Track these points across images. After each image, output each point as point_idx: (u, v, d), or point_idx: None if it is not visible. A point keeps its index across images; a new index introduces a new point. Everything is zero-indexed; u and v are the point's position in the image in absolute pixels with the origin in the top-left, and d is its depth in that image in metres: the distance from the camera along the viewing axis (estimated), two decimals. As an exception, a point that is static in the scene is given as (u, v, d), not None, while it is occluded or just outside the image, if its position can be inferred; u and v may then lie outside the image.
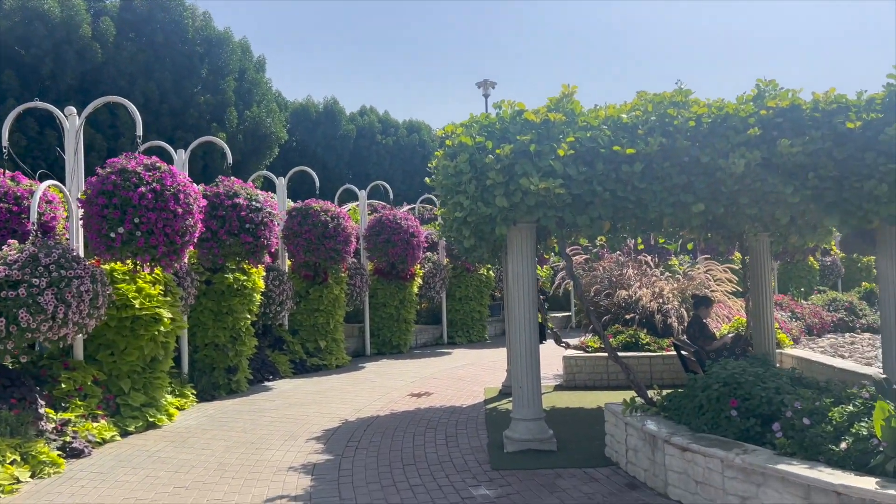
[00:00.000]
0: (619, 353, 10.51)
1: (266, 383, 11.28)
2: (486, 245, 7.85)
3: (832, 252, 23.04)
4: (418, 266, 15.79)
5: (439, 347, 16.53)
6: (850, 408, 4.56)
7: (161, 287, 8.74)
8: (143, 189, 7.47)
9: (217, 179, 10.31)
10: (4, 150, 8.19)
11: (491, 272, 17.62)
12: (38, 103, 8.59)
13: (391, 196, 17.08)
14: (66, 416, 7.26)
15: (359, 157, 42.35)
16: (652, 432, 5.53)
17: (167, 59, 27.29)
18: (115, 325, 8.16)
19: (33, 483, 6.07)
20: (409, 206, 18.18)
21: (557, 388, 10.52)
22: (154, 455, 6.99)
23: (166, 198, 7.64)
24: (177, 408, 8.94)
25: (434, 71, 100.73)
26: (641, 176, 6.43)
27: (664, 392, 6.21)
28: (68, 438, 6.90)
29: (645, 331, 11.26)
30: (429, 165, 7.42)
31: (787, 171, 6.32)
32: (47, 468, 6.31)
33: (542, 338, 14.24)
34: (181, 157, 10.14)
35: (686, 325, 9.73)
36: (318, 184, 14.44)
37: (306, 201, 12.93)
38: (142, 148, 9.96)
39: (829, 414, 4.59)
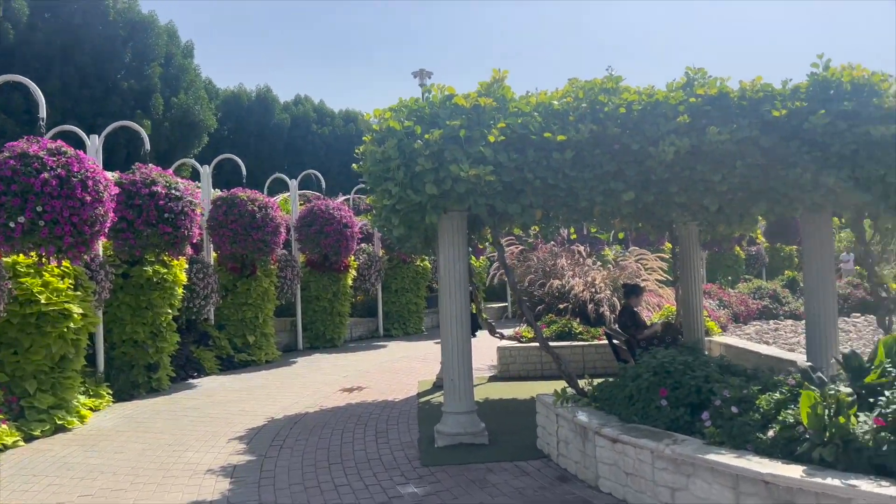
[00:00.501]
0: (553, 343, 10.48)
1: (190, 381, 10.77)
2: (417, 234, 7.63)
3: (758, 241, 23.78)
4: (352, 258, 15.44)
5: (375, 340, 16.24)
6: (777, 395, 4.54)
7: (71, 281, 8.17)
8: (46, 175, 6.93)
9: (133, 167, 9.73)
10: None
11: (427, 263, 17.42)
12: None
13: (324, 186, 16.65)
14: (-39, 421, 6.68)
15: (294, 148, 41.37)
16: (583, 423, 5.44)
17: (87, 42, 25.88)
18: (17, 322, 7.57)
19: (-82, 497, 5.54)
20: (344, 197, 17.79)
21: (492, 378, 10.42)
22: (60, 461, 6.50)
23: (73, 185, 7.11)
24: (90, 409, 8.41)
25: (371, 60, 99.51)
26: (572, 163, 6.32)
27: (596, 382, 6.13)
28: (-38, 446, 6.34)
29: (578, 320, 11.28)
30: (355, 151, 7.13)
31: (716, 158, 6.30)
32: (-65, 479, 5.78)
33: (477, 329, 14.07)
34: (94, 142, 9.52)
35: (617, 313, 9.77)
36: (244, 172, 13.92)
37: (232, 190, 12.41)
38: (52, 132, 9.33)
39: (757, 402, 4.57)
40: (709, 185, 6.44)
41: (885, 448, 3.74)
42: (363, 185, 6.77)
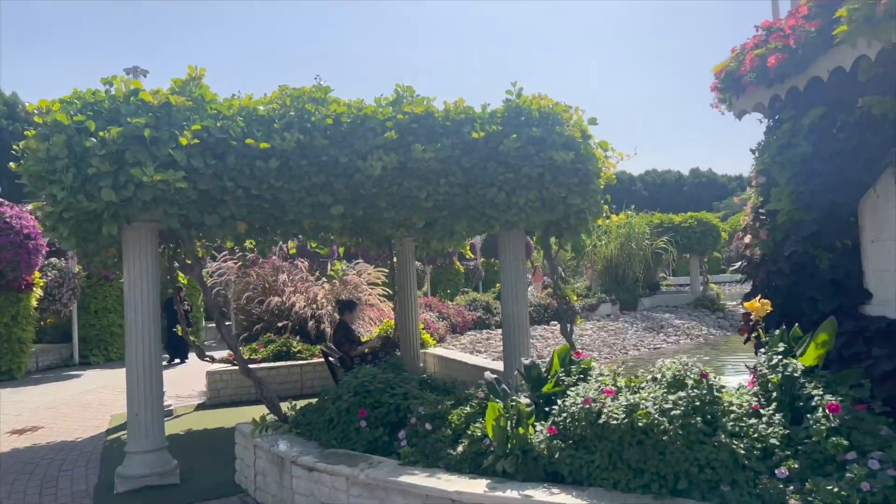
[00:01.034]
0: (270, 364, 9.97)
1: None
2: (101, 246, 6.63)
3: (467, 256, 25.18)
4: (38, 274, 13.26)
5: (68, 369, 14.13)
6: (468, 409, 4.60)
7: None
8: None
9: None
10: None
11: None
12: None
13: None
14: None
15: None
16: (279, 453, 5.04)
17: None
18: None
19: None
20: (31, 205, 15.27)
21: (200, 406, 9.54)
22: None
23: None
24: None
25: (78, 52, 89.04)
26: (278, 173, 5.95)
27: (299, 405, 5.78)
28: None
29: (298, 338, 10.88)
30: (14, 148, 5.96)
31: (422, 176, 6.39)
32: None
33: (185, 353, 12.91)
34: None
35: (332, 330, 9.57)
36: None
37: None
38: None
39: (449, 417, 4.58)
40: (416, 201, 6.50)
41: (557, 455, 3.92)
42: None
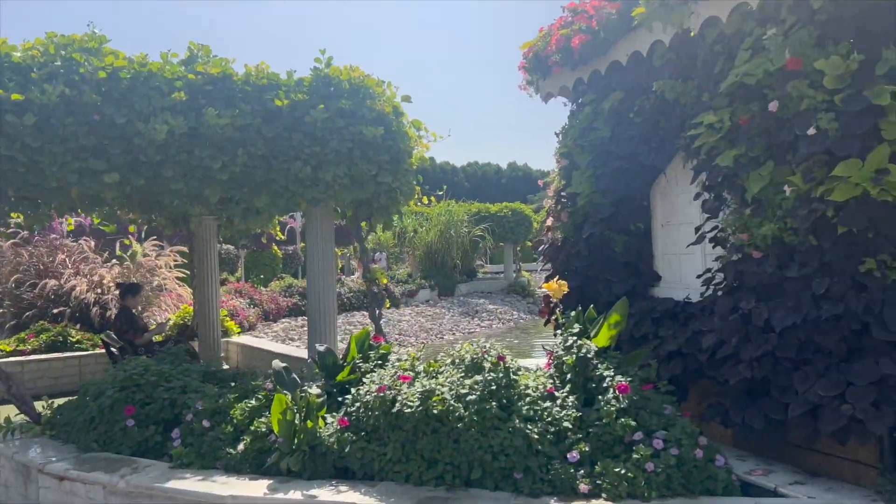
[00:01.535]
0: (43, 356, 8.71)
1: None
2: None
3: (277, 238, 24.20)
4: None
5: None
6: (253, 402, 4.13)
7: None
8: None
9: None
10: None
11: None
12: None
13: None
14: None
15: None
16: (24, 461, 4.24)
17: None
18: None
19: None
20: None
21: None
22: None
23: None
24: None
25: None
26: (35, 131, 5.04)
27: (57, 403, 4.94)
28: None
29: (79, 326, 9.61)
30: None
31: (216, 144, 5.74)
32: None
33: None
34: None
35: (114, 317, 8.53)
36: None
37: None
38: None
39: (231, 412, 4.08)
40: (209, 172, 5.84)
41: (347, 449, 3.59)
42: None
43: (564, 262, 5.07)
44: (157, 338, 8.20)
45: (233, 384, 4.76)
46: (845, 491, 3.24)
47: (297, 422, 3.74)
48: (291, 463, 3.61)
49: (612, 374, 3.68)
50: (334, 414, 3.87)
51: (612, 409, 3.45)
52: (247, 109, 5.78)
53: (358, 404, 3.73)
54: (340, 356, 4.46)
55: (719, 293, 3.92)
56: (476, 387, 3.56)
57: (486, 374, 3.67)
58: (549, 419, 3.55)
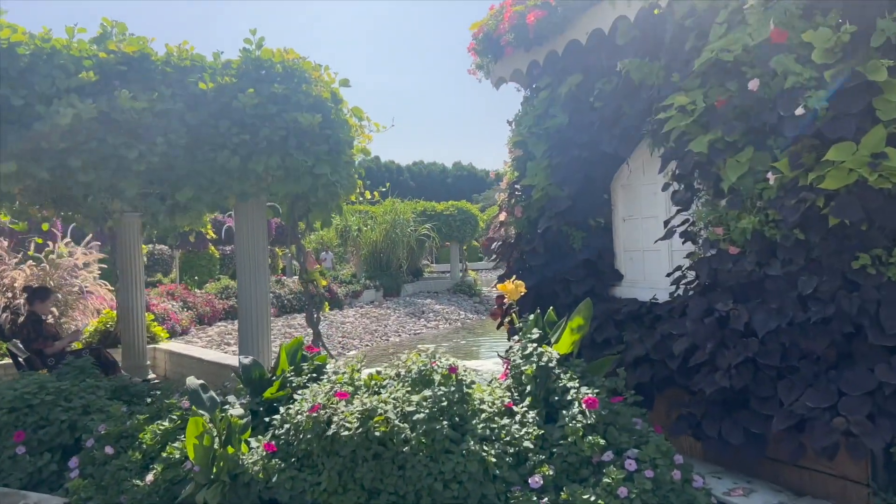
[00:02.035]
0: (-60, 369, 7.83)
1: None
2: None
3: (209, 237, 23.23)
4: None
5: None
6: (166, 424, 3.58)
7: None
8: None
9: None
10: None
11: None
12: None
13: None
14: None
15: None
16: None
17: None
18: None
19: None
20: None
21: None
22: None
23: None
24: None
25: None
26: (-89, 113, 4.35)
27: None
28: None
29: (-14, 334, 8.73)
30: None
31: (132, 131, 5.12)
32: None
33: None
34: None
35: (20, 324, 7.75)
36: None
37: None
38: None
39: (140, 436, 3.52)
40: (124, 162, 5.20)
41: (275, 479, 3.08)
42: None
43: (519, 260, 4.67)
44: (76, 345, 7.49)
45: (149, 400, 4.19)
46: (834, 512, 2.93)
47: (216, 447, 3.21)
48: (209, 496, 3.08)
49: (577, 385, 3.29)
50: (260, 437, 3.36)
51: (579, 425, 3.05)
52: (167, 93, 5.19)
53: (287, 426, 3.23)
54: (271, 368, 3.93)
55: (691, 293, 3.58)
56: (424, 403, 3.10)
57: (436, 389, 3.23)
58: (508, 438, 3.12)
